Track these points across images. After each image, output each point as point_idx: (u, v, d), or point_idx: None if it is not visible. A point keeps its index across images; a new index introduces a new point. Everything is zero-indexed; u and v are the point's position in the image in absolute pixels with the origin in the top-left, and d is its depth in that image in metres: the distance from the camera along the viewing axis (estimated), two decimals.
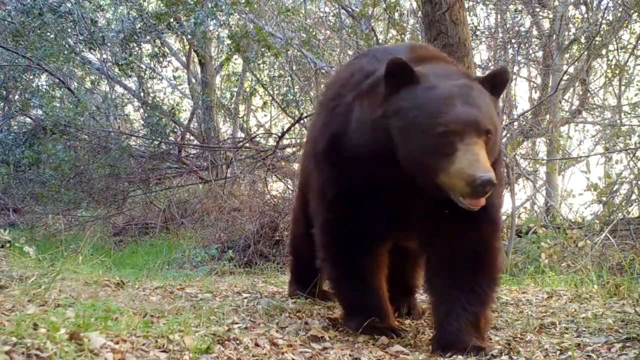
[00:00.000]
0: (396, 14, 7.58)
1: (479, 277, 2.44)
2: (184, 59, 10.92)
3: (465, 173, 2.11)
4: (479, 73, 7.67)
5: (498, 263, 2.53)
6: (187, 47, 10.44)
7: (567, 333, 2.64)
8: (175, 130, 10.01)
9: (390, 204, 2.51)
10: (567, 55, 8.52)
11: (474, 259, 2.44)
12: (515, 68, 9.06)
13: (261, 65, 10.04)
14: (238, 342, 2.15)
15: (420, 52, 2.68)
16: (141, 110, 10.25)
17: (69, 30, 9.20)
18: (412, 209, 2.51)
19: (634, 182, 5.62)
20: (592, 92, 9.23)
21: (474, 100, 2.24)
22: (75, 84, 11.26)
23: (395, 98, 2.29)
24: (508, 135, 7.14)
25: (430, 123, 2.19)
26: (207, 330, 2.16)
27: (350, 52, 8.48)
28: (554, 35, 8.32)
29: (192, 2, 7.93)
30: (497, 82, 2.39)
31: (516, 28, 8.59)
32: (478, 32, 8.40)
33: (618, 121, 8.31)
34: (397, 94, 2.29)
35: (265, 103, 11.55)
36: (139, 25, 9.09)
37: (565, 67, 8.20)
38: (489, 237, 2.49)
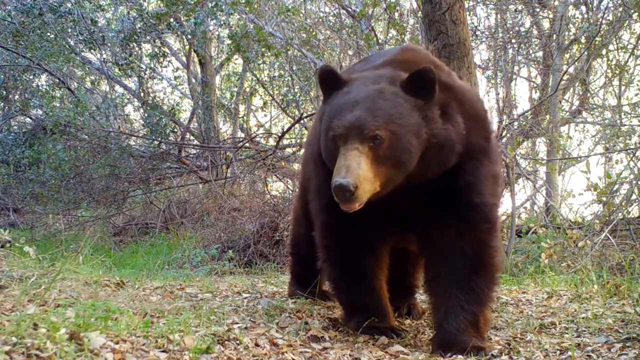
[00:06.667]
0: (396, 14, 7.60)
1: (478, 277, 2.44)
2: (184, 59, 10.93)
3: (332, 177, 2.15)
4: (479, 73, 7.70)
5: (496, 262, 2.53)
6: (187, 47, 10.45)
7: (567, 333, 2.64)
8: (175, 130, 10.02)
9: (387, 205, 2.51)
10: (567, 55, 8.53)
11: (472, 258, 2.44)
12: (515, 68, 9.08)
13: (261, 65, 10.05)
14: (238, 342, 2.15)
15: (406, 55, 2.64)
16: (141, 110, 10.25)
17: (69, 30, 9.21)
18: (409, 210, 2.51)
19: (634, 182, 5.62)
20: (592, 92, 9.25)
21: (374, 105, 2.20)
22: (75, 84, 11.28)
23: (325, 104, 2.42)
24: (508, 135, 7.15)
25: (327, 127, 2.29)
26: (207, 330, 2.16)
27: (350, 52, 8.49)
28: (554, 35, 8.34)
29: (192, 2, 7.94)
30: (419, 84, 2.26)
31: (516, 28, 8.60)
32: (478, 32, 8.41)
33: (618, 121, 8.33)
34: (327, 100, 2.41)
35: (265, 103, 11.58)
36: (139, 25, 9.10)
37: (565, 67, 8.21)
38: (486, 236, 2.48)
